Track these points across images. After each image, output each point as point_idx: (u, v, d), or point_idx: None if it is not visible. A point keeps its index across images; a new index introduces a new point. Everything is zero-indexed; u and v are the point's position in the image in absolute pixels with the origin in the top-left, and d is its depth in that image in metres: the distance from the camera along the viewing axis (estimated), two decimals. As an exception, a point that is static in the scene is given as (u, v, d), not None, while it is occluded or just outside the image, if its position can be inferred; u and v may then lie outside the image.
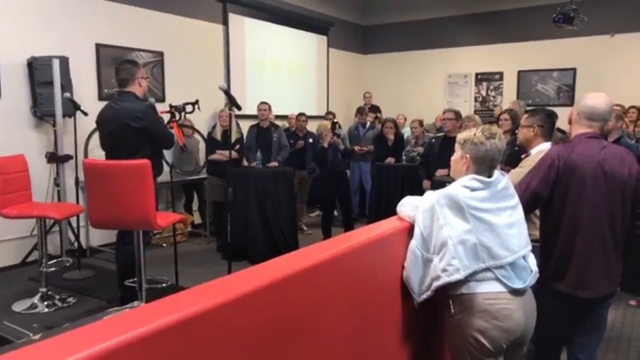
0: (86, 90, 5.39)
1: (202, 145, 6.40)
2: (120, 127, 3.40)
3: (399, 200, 2.16)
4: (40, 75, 4.81)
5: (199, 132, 6.43)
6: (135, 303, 2.53)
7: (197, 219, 6.59)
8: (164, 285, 3.99)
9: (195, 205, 6.60)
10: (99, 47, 5.57)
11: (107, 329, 1.04)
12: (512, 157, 3.28)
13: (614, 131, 4.11)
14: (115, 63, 4.01)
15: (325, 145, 5.87)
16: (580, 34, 7.12)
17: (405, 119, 8.15)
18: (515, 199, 2.00)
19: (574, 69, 8.24)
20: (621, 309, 3.96)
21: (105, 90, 5.57)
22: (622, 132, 4.33)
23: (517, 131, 3.00)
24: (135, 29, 5.93)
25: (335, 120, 7.59)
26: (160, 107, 4.19)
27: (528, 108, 5.07)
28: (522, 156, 2.82)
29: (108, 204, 2.88)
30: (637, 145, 4.54)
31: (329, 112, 7.40)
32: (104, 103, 3.79)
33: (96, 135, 5.23)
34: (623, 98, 6.56)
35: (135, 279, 3.20)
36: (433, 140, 5.52)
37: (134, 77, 3.52)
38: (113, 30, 5.70)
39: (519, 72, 8.72)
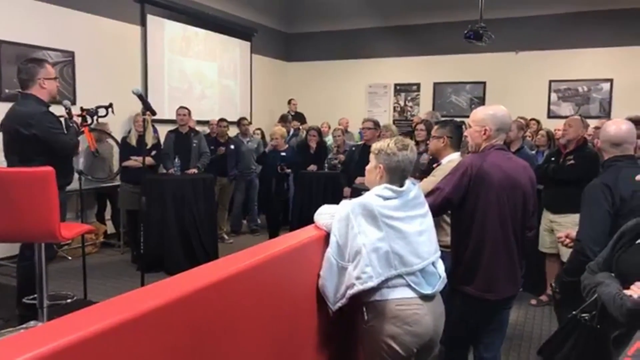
0: (-16, 89, 4.96)
1: (116, 151, 6.09)
2: (11, 133, 3.16)
3: (321, 207, 2.18)
4: None
5: (112, 136, 6.12)
6: (32, 323, 2.32)
7: (110, 228, 6.24)
8: (69, 301, 3.73)
9: (108, 214, 6.25)
10: (0, 43, 5.14)
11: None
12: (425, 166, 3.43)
13: (516, 141, 4.41)
14: (19, 62, 3.71)
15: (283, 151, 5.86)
16: (489, 50, 7.62)
17: (330, 127, 8.27)
18: (426, 208, 2.09)
19: (484, 83, 8.80)
20: (523, 309, 4.24)
21: (7, 91, 5.14)
22: (522, 142, 4.66)
23: (428, 141, 3.13)
24: (42, 26, 5.54)
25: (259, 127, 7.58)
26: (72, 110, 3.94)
27: (442, 119, 5.32)
28: (434, 165, 2.95)
29: (4, 214, 2.64)
30: (536, 155, 4.93)
31: (243, 118, 7.32)
32: (5, 104, 3.50)
33: (-5, 140, 4.85)
34: (525, 110, 7.10)
35: (36, 295, 2.97)
36: (353, 148, 5.64)
37: (34, 78, 3.25)
38: (16, 26, 5.28)
39: (435, 84, 9.16)
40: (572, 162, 3.99)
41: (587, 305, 1.84)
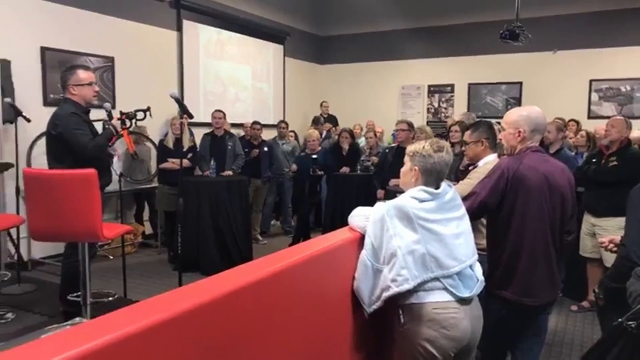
0: (30, 95, 5.16)
1: (153, 153, 6.24)
2: (46, 135, 3.39)
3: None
4: (-21, 78, 4.58)
5: (150, 139, 6.27)
6: (77, 319, 2.41)
7: (148, 229, 6.40)
8: (110, 299, 3.85)
9: (146, 215, 6.41)
10: (44, 50, 5.35)
11: (42, 349, 0.99)
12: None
13: (555, 142, 4.30)
14: (62, 68, 3.87)
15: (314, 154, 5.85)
16: (526, 50, 7.44)
17: (362, 129, 8.25)
18: (462, 210, 2.05)
19: (520, 83, 8.60)
20: (563, 315, 4.12)
21: (52, 96, 5.35)
22: (562, 143, 4.53)
23: (463, 147, 3.06)
24: (84, 32, 5.74)
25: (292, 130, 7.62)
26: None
27: (476, 119, 5.23)
28: (470, 168, 2.90)
29: (50, 215, 2.75)
30: (576, 156, 4.78)
31: (282, 121, 7.39)
32: (50, 109, 3.65)
33: (39, 143, 5.04)
34: (564, 111, 6.91)
35: (80, 292, 3.07)
36: (387, 150, 5.61)
37: (66, 84, 3.41)
38: (60, 34, 5.49)
39: (469, 85, 9.01)
40: (615, 163, 3.86)
41: (633, 312, 1.77)
